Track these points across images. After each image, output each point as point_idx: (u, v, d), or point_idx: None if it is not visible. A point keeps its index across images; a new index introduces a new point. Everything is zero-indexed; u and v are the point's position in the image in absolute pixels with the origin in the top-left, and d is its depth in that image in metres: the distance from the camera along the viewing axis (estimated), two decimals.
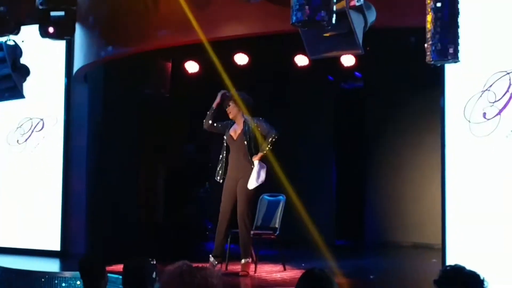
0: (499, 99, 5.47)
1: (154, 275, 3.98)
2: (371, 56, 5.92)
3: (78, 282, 6.91)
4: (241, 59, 8.87)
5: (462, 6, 4.85)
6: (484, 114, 5.55)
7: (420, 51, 5.43)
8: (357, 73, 9.52)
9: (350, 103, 10.12)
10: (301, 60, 8.74)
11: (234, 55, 8.80)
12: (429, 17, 4.80)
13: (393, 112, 9.77)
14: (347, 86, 9.96)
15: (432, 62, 4.69)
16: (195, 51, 8.35)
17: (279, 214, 7.44)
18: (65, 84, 8.61)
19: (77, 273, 6.36)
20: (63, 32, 7.55)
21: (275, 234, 7.34)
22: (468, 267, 2.65)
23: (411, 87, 9.16)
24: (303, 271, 2.93)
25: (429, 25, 4.76)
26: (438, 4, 4.74)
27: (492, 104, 5.51)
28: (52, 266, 8.06)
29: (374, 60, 8.11)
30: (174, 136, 9.76)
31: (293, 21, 4.10)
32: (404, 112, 9.55)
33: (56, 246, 8.58)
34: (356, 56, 7.89)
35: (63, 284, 7.18)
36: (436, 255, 8.14)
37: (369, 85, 9.73)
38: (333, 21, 4.16)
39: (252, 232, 7.20)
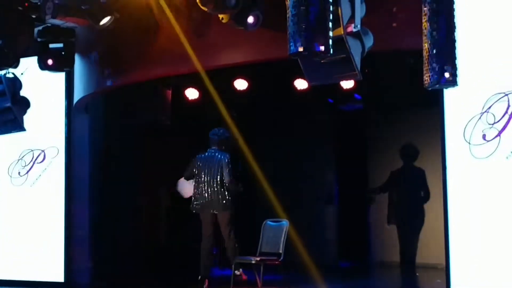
0: (498, 121, 5.48)
1: None
2: (370, 78, 5.94)
3: None
4: (240, 84, 8.93)
5: (460, 27, 4.88)
6: (484, 135, 5.56)
7: (418, 71, 5.48)
8: (356, 95, 9.55)
9: (350, 125, 10.15)
10: (301, 84, 8.79)
11: (233, 80, 8.85)
12: (425, 42, 4.83)
13: (394, 133, 9.79)
14: (346, 108, 9.99)
15: (430, 88, 4.71)
16: (195, 78, 8.40)
17: (282, 239, 7.42)
18: (66, 115, 8.61)
19: None
20: (63, 64, 7.60)
21: (280, 260, 7.32)
22: (471, 284, 2.63)
23: (411, 108, 9.19)
24: None
25: (426, 50, 4.79)
26: (435, 28, 4.76)
27: (491, 125, 5.52)
28: None
29: (373, 81, 8.14)
30: (175, 161, 9.77)
31: (291, 52, 4.13)
32: (404, 132, 9.57)
33: (60, 277, 8.54)
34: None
35: None
36: (440, 275, 8.13)
37: (368, 106, 9.76)
38: (331, 51, 4.18)
39: (257, 258, 7.23)
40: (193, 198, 7.63)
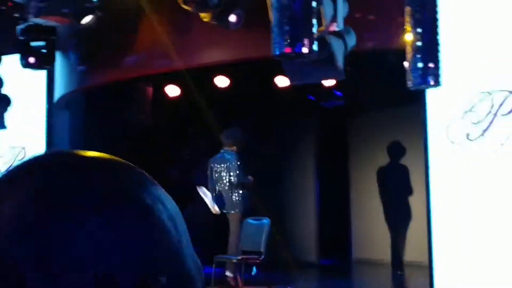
0: (482, 120, 5.50)
1: None
2: (351, 75, 5.93)
3: None
4: (221, 81, 8.88)
5: (444, 27, 4.89)
6: (467, 135, 5.57)
7: (400, 68, 5.48)
8: (337, 92, 9.55)
9: (332, 122, 10.16)
10: (281, 81, 8.76)
11: (214, 78, 8.81)
12: (409, 42, 4.83)
13: (376, 130, 9.81)
14: (327, 105, 10.00)
15: (413, 88, 4.72)
16: (175, 76, 8.35)
17: (264, 237, 7.41)
18: (46, 112, 8.55)
19: None
20: (44, 62, 7.53)
21: (261, 258, 7.31)
22: (454, 283, 2.63)
23: (392, 105, 9.20)
24: None
25: (409, 51, 4.80)
26: (419, 30, 4.77)
27: (475, 125, 5.53)
28: None
29: (355, 78, 8.14)
30: (157, 160, 9.72)
31: (275, 54, 4.10)
32: (386, 129, 9.60)
33: None
34: None
35: None
36: (423, 273, 8.18)
37: (349, 103, 9.78)
38: (315, 53, 4.16)
39: (238, 257, 7.22)
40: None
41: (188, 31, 6.66)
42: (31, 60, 7.49)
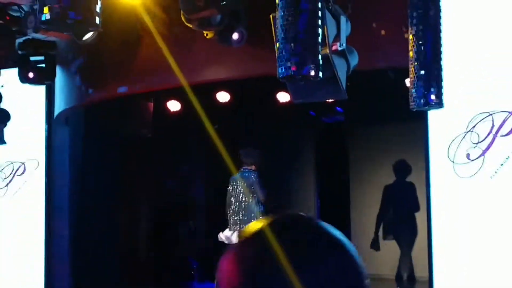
0: (483, 140, 5.51)
1: None
2: (352, 90, 5.94)
3: None
4: (223, 97, 8.90)
5: (445, 46, 4.90)
6: (468, 155, 5.58)
7: (402, 86, 5.48)
8: (338, 108, 9.57)
9: (333, 138, 10.17)
10: (283, 97, 8.78)
11: (216, 93, 8.82)
12: (412, 63, 4.84)
13: (376, 146, 9.83)
14: (328, 120, 10.01)
15: (415, 109, 4.72)
16: (176, 90, 8.35)
17: None
18: (46, 128, 8.52)
19: None
20: (43, 77, 7.51)
21: None
22: None
23: (394, 121, 9.22)
24: None
25: (412, 72, 4.80)
26: (421, 50, 4.78)
27: (475, 145, 5.55)
28: None
29: (355, 94, 8.15)
30: (156, 175, 9.72)
31: (280, 76, 4.10)
32: (387, 146, 9.61)
33: (40, 287, 8.44)
34: None
35: None
36: None
37: (350, 119, 9.79)
38: (320, 75, 4.16)
39: None
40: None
41: (190, 48, 6.67)
42: (30, 75, 7.47)
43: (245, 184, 7.90)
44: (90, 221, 8.63)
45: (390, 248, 9.54)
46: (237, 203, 7.88)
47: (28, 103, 8.48)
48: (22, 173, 8.58)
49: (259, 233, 1.01)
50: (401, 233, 8.80)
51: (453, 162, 5.66)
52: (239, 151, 8.07)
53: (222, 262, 1.00)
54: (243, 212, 7.83)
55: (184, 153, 10.13)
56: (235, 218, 7.88)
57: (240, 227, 7.83)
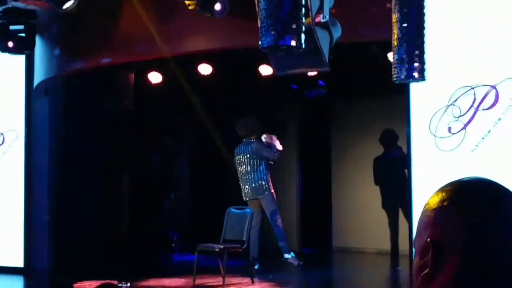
0: (464, 114, 5.53)
1: None
2: (334, 64, 5.92)
3: None
4: (204, 69, 8.82)
5: (428, 21, 4.88)
6: (449, 128, 5.60)
7: (384, 60, 5.47)
8: (320, 82, 9.54)
9: (315, 112, 10.15)
10: (265, 70, 8.73)
11: (197, 65, 8.74)
12: (395, 36, 4.82)
13: (358, 120, 9.83)
14: (311, 94, 9.98)
15: (398, 82, 4.71)
16: (158, 62, 8.27)
17: (246, 227, 7.42)
18: (25, 98, 8.42)
19: None
20: (23, 46, 7.40)
21: (243, 247, 7.32)
22: None
23: (376, 94, 9.21)
24: (271, 283, 2.93)
25: (395, 45, 4.78)
26: (404, 24, 4.76)
27: (457, 118, 5.56)
28: (15, 284, 7.89)
29: (338, 68, 8.13)
30: (139, 147, 9.65)
31: (262, 46, 4.06)
32: (369, 120, 9.62)
33: (19, 262, 8.40)
34: None
35: None
36: (401, 262, 8.26)
37: (333, 93, 9.78)
38: (303, 45, 4.13)
39: (220, 246, 7.24)
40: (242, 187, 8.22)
41: (172, 18, 6.59)
42: (10, 44, 7.36)
43: (249, 155, 8.14)
44: (70, 194, 8.57)
45: (373, 222, 9.61)
46: (249, 167, 8.12)
47: (7, 73, 8.36)
48: (1, 144, 8.49)
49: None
50: (388, 204, 8.89)
51: (434, 135, 5.68)
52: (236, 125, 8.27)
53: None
54: (255, 172, 8.09)
55: (167, 126, 10.07)
56: (249, 177, 8.11)
57: (255, 185, 8.07)
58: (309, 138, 10.08)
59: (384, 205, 9.05)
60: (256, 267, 7.91)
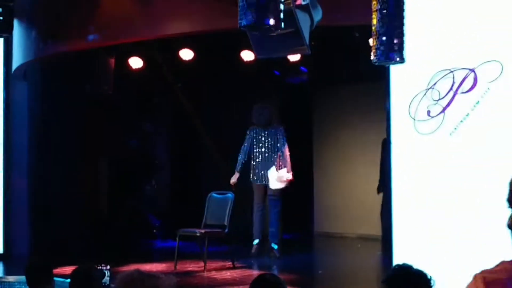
0: (443, 97, 5.54)
1: (106, 281, 3.94)
2: (316, 50, 5.92)
3: None
4: (186, 54, 8.78)
5: (407, 3, 4.89)
6: (429, 112, 5.62)
7: (364, 44, 5.46)
8: (302, 68, 9.54)
9: (297, 98, 10.16)
10: (247, 55, 8.71)
11: (179, 50, 8.70)
12: (374, 18, 4.82)
13: (340, 105, 9.86)
14: (293, 80, 9.98)
15: (377, 63, 4.71)
16: (139, 47, 8.23)
17: (228, 211, 7.42)
18: (4, 82, 8.35)
19: (22, 277, 6.19)
20: (1, 29, 7.31)
21: (225, 232, 7.33)
22: (413, 258, 2.69)
23: (357, 81, 9.24)
24: (252, 269, 2.96)
25: (374, 26, 4.78)
26: (384, 4, 4.76)
27: (436, 102, 5.58)
28: None
29: (320, 54, 8.14)
30: (118, 132, 9.61)
31: (241, 25, 4.04)
32: (350, 106, 9.65)
33: None
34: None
35: None
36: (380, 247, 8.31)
37: (315, 79, 9.79)
38: (282, 25, 4.12)
39: (202, 230, 7.24)
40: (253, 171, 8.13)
41: (152, 0, 6.54)
42: None
43: (271, 139, 8.13)
44: (49, 178, 8.52)
45: (354, 208, 9.67)
46: (265, 148, 8.11)
47: None
48: None
49: None
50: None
51: (414, 119, 5.70)
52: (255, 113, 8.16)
53: None
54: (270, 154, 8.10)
55: (147, 111, 10.03)
56: (266, 155, 8.10)
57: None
58: (290, 124, 10.08)
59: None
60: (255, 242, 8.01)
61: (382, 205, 8.61)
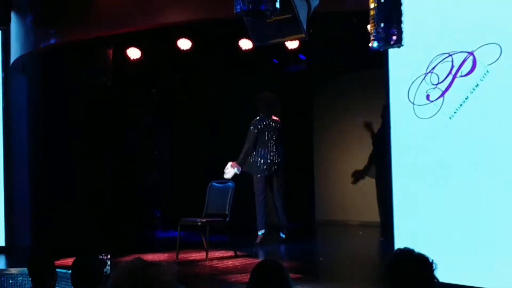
0: (442, 81, 5.52)
1: (107, 271, 3.93)
2: (314, 38, 5.90)
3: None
4: (184, 44, 8.75)
5: None
6: (428, 96, 5.61)
7: (363, 31, 5.44)
8: (301, 56, 9.52)
9: (296, 86, 10.14)
10: (245, 44, 8.69)
11: (177, 40, 8.67)
12: (372, 2, 4.80)
13: (339, 93, 9.84)
14: (291, 69, 9.96)
15: (375, 47, 4.69)
16: (137, 38, 8.20)
17: (228, 200, 7.43)
18: (2, 76, 8.33)
19: (24, 270, 6.21)
20: None
21: (226, 221, 7.33)
22: (414, 244, 2.68)
23: (356, 68, 9.22)
24: (254, 258, 2.96)
25: (372, 10, 4.76)
26: None
27: (435, 86, 5.56)
28: None
29: (318, 42, 8.12)
30: (118, 124, 9.59)
31: (237, 10, 4.02)
32: (350, 93, 9.63)
33: (0, 241, 8.36)
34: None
35: (10, 281, 6.99)
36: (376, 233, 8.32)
37: (313, 67, 9.76)
38: (277, 10, 4.09)
39: (203, 220, 7.25)
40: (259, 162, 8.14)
41: None
42: None
43: (273, 130, 8.17)
44: (50, 171, 8.53)
45: (355, 195, 9.67)
46: (271, 141, 8.14)
47: None
48: None
49: None
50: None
51: (413, 103, 5.69)
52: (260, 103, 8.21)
53: None
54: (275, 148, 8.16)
55: (147, 102, 10.02)
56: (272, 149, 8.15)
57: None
58: (290, 113, 10.07)
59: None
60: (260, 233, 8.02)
61: (377, 192, 8.64)
